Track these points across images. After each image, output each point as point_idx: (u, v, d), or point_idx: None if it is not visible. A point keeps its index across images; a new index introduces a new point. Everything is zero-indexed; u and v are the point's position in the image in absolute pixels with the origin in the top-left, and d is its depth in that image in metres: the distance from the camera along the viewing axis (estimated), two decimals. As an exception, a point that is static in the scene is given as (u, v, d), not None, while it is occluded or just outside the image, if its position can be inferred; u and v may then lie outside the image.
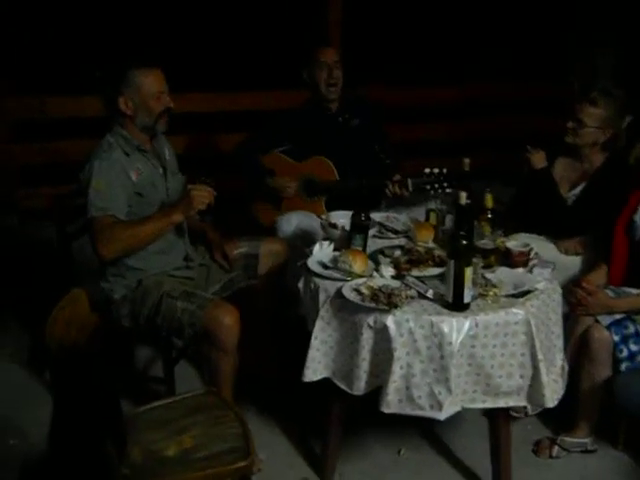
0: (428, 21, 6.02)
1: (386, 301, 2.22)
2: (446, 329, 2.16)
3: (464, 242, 2.16)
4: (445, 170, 3.06)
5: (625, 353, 2.55)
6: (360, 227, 2.59)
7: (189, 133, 4.43)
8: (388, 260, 2.61)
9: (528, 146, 3.12)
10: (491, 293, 2.27)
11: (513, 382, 2.24)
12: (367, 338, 2.23)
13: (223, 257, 2.84)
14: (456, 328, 2.16)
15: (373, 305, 2.21)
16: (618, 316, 2.57)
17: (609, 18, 5.14)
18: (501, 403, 2.27)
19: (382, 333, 2.21)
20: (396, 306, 2.17)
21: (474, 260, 2.20)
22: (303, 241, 3.19)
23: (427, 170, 3.08)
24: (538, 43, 5.65)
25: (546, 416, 2.80)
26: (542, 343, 2.24)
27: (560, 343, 2.39)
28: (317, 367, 2.37)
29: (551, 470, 2.67)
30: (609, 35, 5.16)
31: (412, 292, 2.28)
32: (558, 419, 2.77)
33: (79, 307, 2.07)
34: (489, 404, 2.27)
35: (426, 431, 2.80)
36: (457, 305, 2.19)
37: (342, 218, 2.84)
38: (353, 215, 2.60)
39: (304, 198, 3.36)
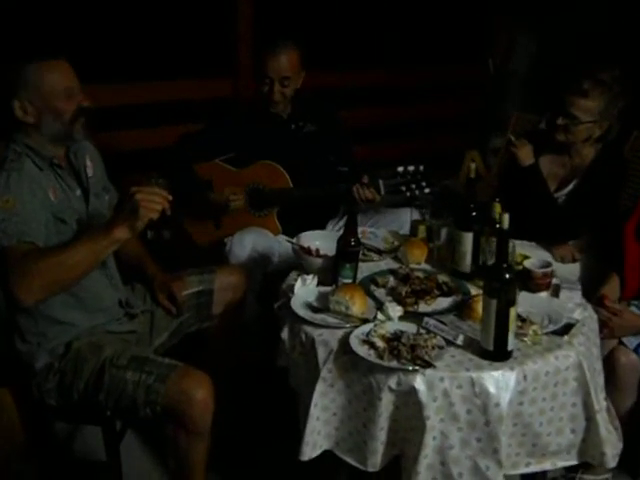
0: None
1: (410, 356, 1.74)
2: (491, 388, 1.71)
3: (507, 276, 1.71)
4: (422, 167, 2.60)
5: (653, 377, 2.22)
6: (349, 254, 2.09)
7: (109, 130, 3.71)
8: (383, 292, 2.14)
9: (512, 137, 2.72)
10: (530, 332, 1.84)
11: (563, 439, 1.83)
12: (387, 404, 1.75)
13: (170, 300, 2.24)
14: (503, 385, 1.72)
15: (396, 364, 1.73)
16: (644, 336, 2.23)
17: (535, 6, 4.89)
18: (548, 465, 1.87)
19: (408, 397, 1.73)
20: (429, 364, 1.70)
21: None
22: (260, 266, 2.66)
23: (400, 168, 2.60)
24: (457, 25, 5.34)
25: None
26: (594, 388, 1.85)
27: (601, 380, 2.01)
28: (317, 440, 1.87)
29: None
30: (531, 19, 4.95)
31: (438, 340, 1.81)
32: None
33: (6, 414, 1.45)
34: (534, 467, 1.85)
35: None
36: (500, 354, 1.75)
37: (317, 239, 2.33)
38: (340, 240, 2.09)
39: (250, 212, 2.80)
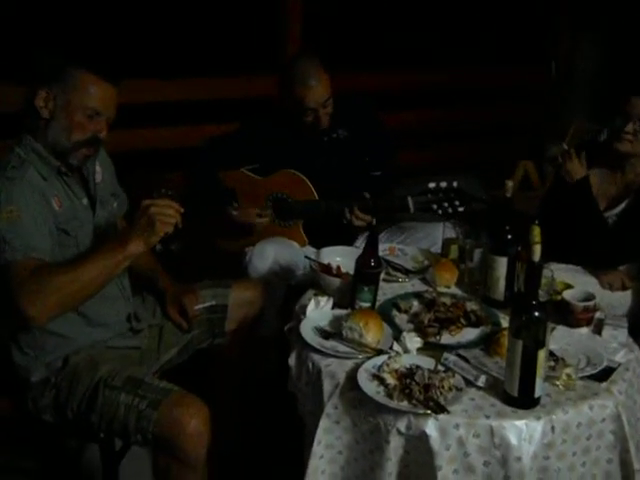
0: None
1: (423, 397, 1.56)
2: (513, 439, 1.52)
3: (537, 314, 1.51)
4: (455, 184, 2.39)
5: None
6: (368, 276, 1.92)
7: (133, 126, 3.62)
8: (405, 318, 1.96)
9: (564, 145, 2.47)
10: (563, 376, 1.63)
11: (596, 499, 1.63)
12: (396, 447, 1.58)
13: (181, 314, 2.12)
14: (527, 436, 1.52)
15: (406, 406, 1.55)
16: None
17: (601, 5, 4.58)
18: (576, 527, 1.66)
19: (418, 442, 1.56)
20: (442, 409, 1.52)
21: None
22: (282, 279, 2.51)
23: (432, 185, 2.39)
24: (517, 24, 5.06)
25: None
26: (635, 443, 1.63)
27: (646, 432, 1.78)
28: (320, 479, 1.71)
29: None
30: (599, 22, 4.64)
31: (457, 380, 1.62)
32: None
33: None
34: (560, 528, 1.65)
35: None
36: (525, 401, 1.55)
37: (338, 256, 2.18)
38: (358, 259, 1.93)
39: (276, 223, 2.65)
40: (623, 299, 2.36)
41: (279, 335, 2.46)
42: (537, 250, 1.51)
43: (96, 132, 1.84)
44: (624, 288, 2.38)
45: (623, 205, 2.42)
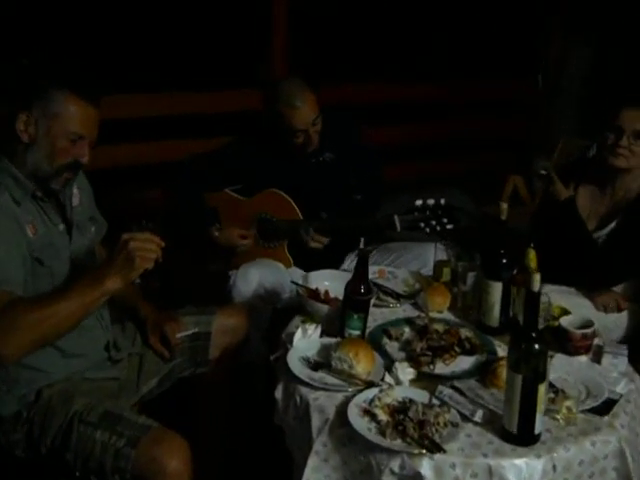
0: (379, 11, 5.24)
1: (417, 434, 1.48)
2: (513, 479, 1.44)
3: (537, 347, 1.43)
4: (443, 201, 2.32)
5: None
6: (358, 303, 1.84)
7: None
8: (396, 346, 1.88)
9: (542, 171, 2.41)
10: (564, 409, 1.56)
11: (597, 539, 1.55)
12: (389, 488, 1.49)
13: (162, 342, 2.02)
14: (527, 475, 1.44)
15: (399, 444, 1.47)
16: None
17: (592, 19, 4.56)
18: None
19: (413, 482, 1.47)
20: (438, 448, 1.43)
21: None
22: (267, 302, 2.43)
23: (419, 202, 2.32)
24: (504, 38, 5.03)
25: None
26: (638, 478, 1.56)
27: (648, 466, 1.71)
28: (309, 519, 1.62)
29: None
30: (589, 36, 4.62)
31: (452, 415, 1.54)
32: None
33: None
34: None
35: None
36: (525, 438, 1.47)
37: (326, 280, 2.10)
38: (347, 285, 1.84)
39: (260, 244, 2.57)
40: (619, 321, 2.30)
41: (265, 361, 2.38)
42: (537, 279, 1.43)
43: (78, 156, 1.74)
44: (619, 310, 2.31)
45: (613, 225, 2.36)
